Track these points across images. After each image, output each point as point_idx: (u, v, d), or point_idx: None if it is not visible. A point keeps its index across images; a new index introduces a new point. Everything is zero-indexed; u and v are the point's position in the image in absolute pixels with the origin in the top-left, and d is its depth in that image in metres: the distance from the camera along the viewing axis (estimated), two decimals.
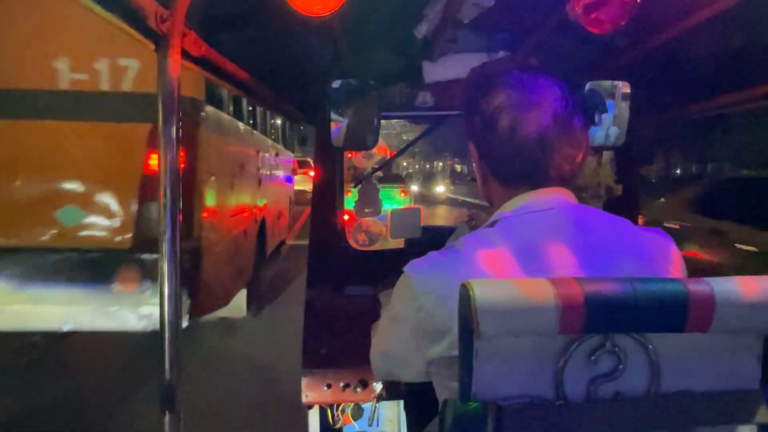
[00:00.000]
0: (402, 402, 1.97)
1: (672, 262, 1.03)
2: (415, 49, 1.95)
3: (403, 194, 14.68)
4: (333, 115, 1.80)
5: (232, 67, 1.52)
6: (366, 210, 2.39)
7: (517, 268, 0.94)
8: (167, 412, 1.08)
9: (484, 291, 0.80)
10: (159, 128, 1.09)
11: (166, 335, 1.10)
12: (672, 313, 0.82)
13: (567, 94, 1.02)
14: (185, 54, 1.19)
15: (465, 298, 0.80)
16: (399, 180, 15.70)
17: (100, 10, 0.94)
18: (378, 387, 2.00)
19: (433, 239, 2.31)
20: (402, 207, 2.59)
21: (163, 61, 1.08)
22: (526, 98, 1.02)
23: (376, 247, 2.71)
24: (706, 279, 0.85)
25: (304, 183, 20.33)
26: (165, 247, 1.10)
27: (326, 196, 2.29)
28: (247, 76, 1.64)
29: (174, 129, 1.10)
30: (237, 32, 1.47)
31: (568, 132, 1.02)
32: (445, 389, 0.98)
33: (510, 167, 1.05)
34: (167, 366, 1.10)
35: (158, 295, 1.10)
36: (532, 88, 1.02)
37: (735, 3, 1.20)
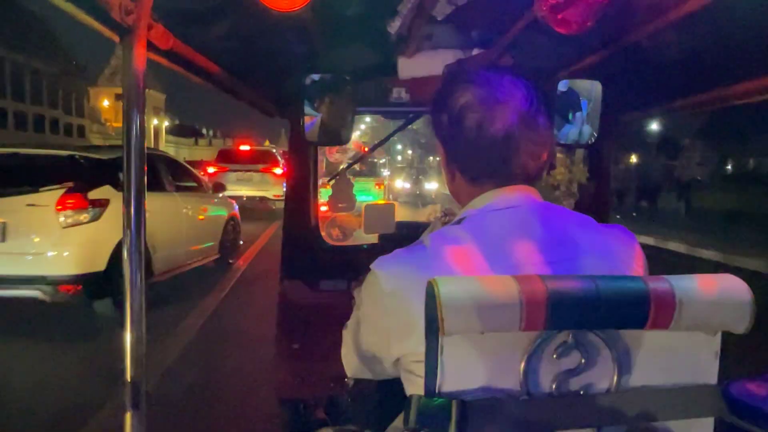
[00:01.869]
0: (376, 396, 1.98)
1: (634, 259, 1.05)
2: (390, 44, 1.95)
3: (377, 187, 14.37)
4: (307, 110, 1.79)
5: (203, 61, 1.51)
6: (340, 205, 2.39)
7: (484, 264, 0.96)
8: (131, 410, 1.07)
9: (449, 288, 0.81)
10: (123, 123, 1.08)
11: (129, 332, 1.09)
12: (634, 311, 0.84)
13: (532, 93, 1.04)
14: (152, 47, 1.17)
15: (431, 295, 0.81)
16: (374, 174, 15.29)
17: (62, 3, 0.92)
18: (351, 382, 2.01)
19: (408, 235, 2.31)
20: (376, 202, 2.60)
21: (129, 53, 1.07)
22: (492, 97, 1.02)
23: (350, 242, 2.71)
24: (666, 277, 0.86)
25: (257, 186, 15.67)
26: (129, 242, 1.09)
27: (300, 190, 2.29)
28: (218, 69, 1.62)
29: (139, 123, 1.08)
30: (208, 26, 1.45)
31: (533, 130, 1.03)
32: (413, 385, 0.99)
33: (476, 165, 1.06)
34: (130, 363, 1.09)
35: None
36: (498, 87, 1.03)
37: (705, 3, 1.22)
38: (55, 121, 50.09)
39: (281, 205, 13.73)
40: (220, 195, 8.59)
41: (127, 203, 1.09)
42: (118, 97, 62.55)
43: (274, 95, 2.24)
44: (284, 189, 14.17)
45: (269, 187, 16.06)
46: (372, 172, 14.79)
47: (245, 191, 15.56)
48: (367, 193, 12.27)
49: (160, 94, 74.78)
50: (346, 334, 1.24)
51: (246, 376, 4.17)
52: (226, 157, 16.86)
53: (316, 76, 1.78)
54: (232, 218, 8.63)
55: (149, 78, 59.30)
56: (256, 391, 3.78)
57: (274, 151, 17.78)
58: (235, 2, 1.25)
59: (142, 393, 1.09)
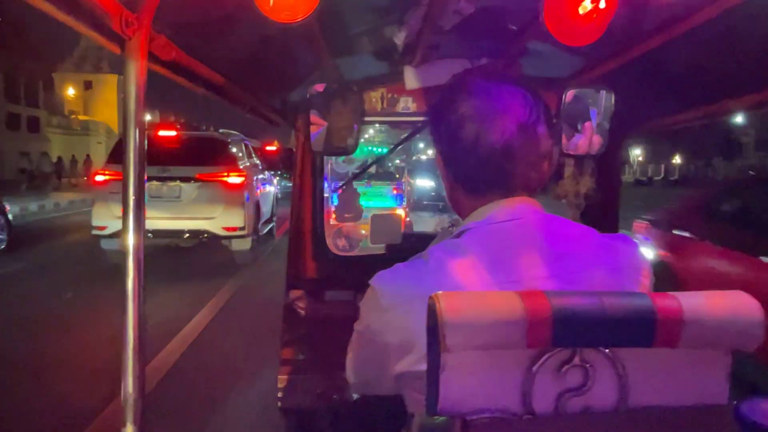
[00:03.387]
0: (381, 409, 1.97)
1: (639, 270, 1.03)
2: (397, 54, 1.95)
3: (395, 191, 12.79)
4: (313, 120, 1.78)
5: (207, 72, 1.50)
6: (346, 215, 2.38)
7: (485, 279, 0.94)
8: (129, 425, 1.07)
9: (451, 304, 0.79)
10: (124, 138, 1.08)
11: (129, 347, 1.08)
12: (640, 329, 0.82)
13: (532, 103, 1.02)
14: (155, 58, 1.17)
15: (432, 310, 0.80)
16: (392, 178, 13.49)
17: (61, 15, 0.92)
18: (355, 395, 1.99)
19: (414, 245, 2.30)
20: (383, 212, 2.59)
21: (129, 65, 1.07)
22: (490, 107, 1.01)
23: (357, 252, 2.69)
24: (674, 294, 0.84)
25: (191, 211, 8.21)
26: (129, 259, 1.08)
27: (307, 200, 2.28)
28: (223, 80, 1.62)
29: (139, 133, 1.08)
30: (212, 36, 1.45)
31: (533, 140, 1.01)
32: (413, 403, 0.97)
33: (475, 176, 1.05)
34: (130, 379, 1.08)
35: None
36: (497, 97, 1.02)
37: (715, 15, 1.20)
38: None
39: (244, 245, 8.54)
40: None
41: (125, 216, 1.08)
42: (87, 85, 52.34)
43: (281, 105, 2.24)
44: (249, 215, 8.50)
45: (217, 210, 8.38)
46: (389, 175, 13.20)
47: (168, 222, 8.10)
48: (383, 199, 11.41)
49: None
50: (350, 348, 1.23)
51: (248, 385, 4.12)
52: None
53: (322, 86, 1.77)
54: None
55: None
56: (259, 402, 3.72)
57: (231, 141, 9.50)
58: (241, 13, 1.25)
59: (140, 407, 1.08)
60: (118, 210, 7.04)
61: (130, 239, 1.08)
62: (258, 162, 11.06)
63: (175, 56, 1.24)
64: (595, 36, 1.15)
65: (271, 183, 11.83)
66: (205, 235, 8.56)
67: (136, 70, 1.07)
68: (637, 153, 54.18)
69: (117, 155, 8.30)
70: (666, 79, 1.85)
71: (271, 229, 11.61)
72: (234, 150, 9.41)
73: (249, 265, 8.79)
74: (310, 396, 2.05)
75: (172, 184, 8.33)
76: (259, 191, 9.97)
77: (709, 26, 1.25)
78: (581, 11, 1.10)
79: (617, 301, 0.83)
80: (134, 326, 1.08)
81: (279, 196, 13.11)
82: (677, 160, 49.23)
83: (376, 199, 10.04)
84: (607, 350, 0.85)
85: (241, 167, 9.16)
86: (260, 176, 10.55)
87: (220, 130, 9.76)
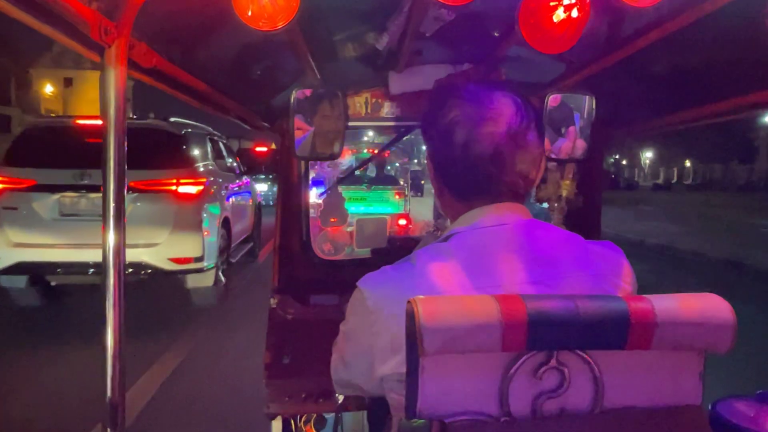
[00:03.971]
0: (365, 413, 1.97)
1: (622, 276, 1.04)
2: (380, 59, 1.96)
3: (397, 196, 10.43)
4: (297, 125, 1.79)
5: (190, 79, 1.50)
6: (331, 219, 2.38)
7: (468, 283, 0.95)
8: (109, 429, 1.07)
9: (428, 308, 0.80)
10: (103, 148, 1.08)
11: (109, 351, 1.08)
12: (614, 331, 0.84)
13: (522, 110, 1.03)
14: (135, 66, 1.18)
15: (410, 314, 0.81)
16: (393, 182, 11.18)
17: (37, 23, 0.92)
18: (341, 397, 1.99)
19: (400, 249, 2.32)
20: (368, 217, 2.60)
21: (108, 73, 1.07)
22: (481, 113, 1.02)
23: (342, 256, 2.70)
24: (647, 296, 0.86)
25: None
26: (109, 260, 1.08)
27: (292, 205, 2.28)
28: (205, 87, 1.62)
29: (119, 141, 1.08)
30: (194, 44, 1.45)
31: (522, 148, 1.03)
32: (396, 405, 0.98)
33: (464, 181, 1.06)
34: (110, 382, 1.08)
35: None
36: (488, 103, 1.03)
37: (694, 20, 1.22)
38: None
39: (204, 281, 5.92)
40: None
41: (106, 222, 1.09)
42: (67, 82, 48.96)
43: (264, 110, 2.24)
44: (210, 239, 6.20)
45: (161, 234, 5.91)
46: (390, 179, 11.36)
47: (87, 251, 5.51)
48: (385, 204, 10.55)
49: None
50: (335, 350, 1.24)
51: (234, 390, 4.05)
52: (38, 150, 6.05)
53: (306, 91, 1.78)
54: None
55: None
56: (244, 406, 3.60)
57: (186, 135, 6.73)
58: (222, 20, 1.26)
59: (121, 411, 1.08)
60: (15, 234, 5.42)
61: (111, 239, 1.09)
62: (234, 164, 8.88)
63: (156, 63, 1.24)
64: (569, 44, 1.17)
65: (249, 191, 9.31)
66: (148, 271, 5.84)
67: (115, 78, 1.07)
68: (648, 155, 53.08)
69: (15, 156, 6.00)
70: (648, 83, 1.88)
71: (251, 250, 9.06)
72: (190, 147, 6.60)
73: (214, 306, 6.32)
74: (296, 400, 2.05)
75: (94, 195, 5.66)
76: (230, 202, 7.46)
77: (688, 31, 1.27)
78: (555, 20, 1.12)
79: (591, 304, 0.85)
80: (114, 329, 1.08)
81: (272, 203, 10.69)
82: (688, 163, 48.04)
83: (376, 204, 9.83)
84: (582, 352, 0.86)
85: (200, 171, 6.50)
86: (233, 183, 8.01)
87: (171, 119, 6.74)
